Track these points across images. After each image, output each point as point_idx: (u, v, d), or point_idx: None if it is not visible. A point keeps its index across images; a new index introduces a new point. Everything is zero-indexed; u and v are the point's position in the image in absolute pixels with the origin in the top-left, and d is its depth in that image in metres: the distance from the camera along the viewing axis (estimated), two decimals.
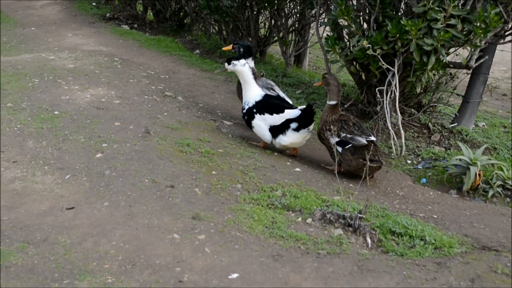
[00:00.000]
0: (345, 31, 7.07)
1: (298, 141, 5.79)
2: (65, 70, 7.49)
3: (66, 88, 6.73)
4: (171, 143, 5.46)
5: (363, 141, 5.46)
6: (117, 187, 4.51)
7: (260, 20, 10.15)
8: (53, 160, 4.93)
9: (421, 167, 6.06)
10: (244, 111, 6.00)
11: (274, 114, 5.77)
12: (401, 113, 6.48)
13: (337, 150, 5.59)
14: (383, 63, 6.19)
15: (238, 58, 6.05)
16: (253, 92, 6.02)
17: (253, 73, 6.21)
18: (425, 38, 5.89)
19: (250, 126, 5.99)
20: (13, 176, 4.62)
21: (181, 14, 12.13)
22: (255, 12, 9.70)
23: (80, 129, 5.56)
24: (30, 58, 8.16)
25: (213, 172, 4.99)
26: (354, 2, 6.88)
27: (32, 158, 4.94)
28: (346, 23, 6.48)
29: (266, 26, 10.22)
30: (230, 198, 4.59)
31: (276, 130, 5.76)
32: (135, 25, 12.38)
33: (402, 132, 6.33)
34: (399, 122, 6.36)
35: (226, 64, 6.11)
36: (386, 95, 6.38)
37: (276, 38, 9.84)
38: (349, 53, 6.66)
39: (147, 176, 4.71)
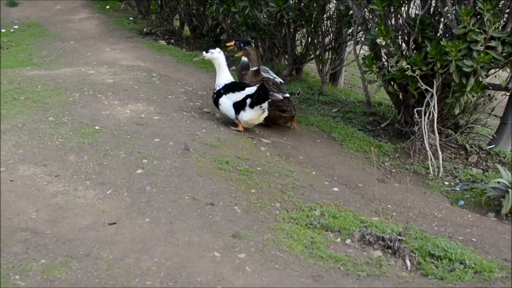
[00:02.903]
0: (383, 51, 7.07)
1: (255, 117, 6.53)
2: (105, 85, 7.59)
3: (106, 103, 6.81)
4: (210, 160, 5.51)
5: (280, 96, 6.79)
6: (157, 204, 4.56)
7: (296, 38, 10.18)
8: (95, 175, 5.00)
9: (458, 189, 6.03)
10: (215, 91, 6.77)
11: (236, 92, 6.53)
12: (438, 133, 6.46)
13: None
14: (422, 84, 6.20)
15: (214, 47, 6.92)
16: (224, 77, 6.80)
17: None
18: (464, 60, 5.88)
19: (217, 104, 6.76)
20: (56, 190, 4.69)
21: (218, 30, 12.22)
22: (292, 30, 9.73)
23: (121, 145, 5.63)
24: (70, 72, 8.28)
25: (252, 191, 5.02)
26: (393, 22, 6.88)
27: (74, 173, 5.01)
28: (385, 43, 6.49)
29: (303, 44, 10.26)
30: (269, 217, 4.61)
31: (238, 107, 6.49)
32: (172, 41, 12.49)
33: (440, 153, 6.32)
34: (437, 143, 6.35)
35: (204, 52, 6.93)
36: (424, 115, 6.37)
37: (312, 56, 9.86)
38: (387, 73, 6.67)
39: (187, 193, 4.75)
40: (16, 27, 14.22)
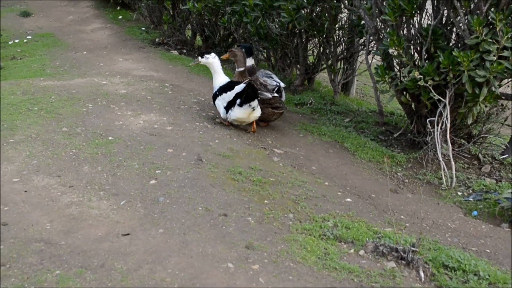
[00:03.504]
0: (395, 61, 7.08)
1: (244, 116, 6.76)
2: (118, 96, 7.63)
3: (119, 114, 6.85)
4: (223, 171, 5.52)
5: (269, 95, 6.97)
6: (171, 214, 4.57)
7: (308, 48, 10.20)
8: (108, 185, 5.02)
9: (472, 199, 6.01)
10: (213, 94, 7.08)
11: (228, 92, 6.77)
12: (451, 143, 6.45)
13: None
14: (434, 94, 6.19)
15: (209, 52, 7.20)
16: (220, 80, 7.07)
17: (251, 69, 7.86)
18: (477, 70, 5.88)
19: (215, 104, 7.07)
20: (70, 201, 4.71)
21: (230, 40, 12.25)
22: (304, 40, 9.76)
23: (134, 155, 5.65)
24: (83, 83, 8.32)
25: (265, 201, 5.03)
26: (405, 32, 6.88)
27: (88, 183, 5.04)
28: (397, 53, 6.50)
29: (315, 54, 10.27)
30: (282, 227, 4.61)
31: (229, 106, 6.76)
32: (184, 51, 12.53)
33: (453, 163, 6.31)
34: (450, 153, 6.34)
35: (199, 57, 7.22)
36: (437, 125, 6.36)
37: (324, 65, 9.88)
38: (399, 83, 6.67)
39: (200, 204, 4.77)
40: (30, 37, 14.31)
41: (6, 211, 4.50)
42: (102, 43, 13.08)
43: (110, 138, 6.05)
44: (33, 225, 4.32)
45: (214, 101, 7.05)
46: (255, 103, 6.63)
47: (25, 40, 14.00)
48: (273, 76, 7.78)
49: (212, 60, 7.12)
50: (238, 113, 6.73)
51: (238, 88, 6.71)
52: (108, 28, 14.93)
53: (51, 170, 5.25)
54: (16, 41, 13.96)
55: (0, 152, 5.50)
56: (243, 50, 7.82)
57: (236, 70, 7.45)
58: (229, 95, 6.77)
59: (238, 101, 6.64)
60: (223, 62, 7.51)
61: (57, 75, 9.47)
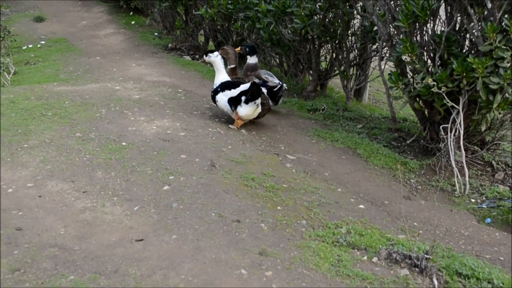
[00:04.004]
0: (408, 68, 7.07)
1: (250, 112, 7.09)
2: (131, 101, 7.65)
3: (133, 119, 6.87)
4: (236, 177, 5.53)
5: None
6: (184, 220, 4.58)
7: (321, 54, 10.20)
8: (122, 191, 5.04)
9: (485, 206, 5.99)
10: (213, 89, 7.39)
11: (232, 89, 7.11)
12: (464, 150, 6.43)
13: None
14: (448, 100, 6.18)
15: (212, 51, 7.55)
16: (221, 77, 7.43)
17: (254, 66, 8.44)
18: (491, 77, 5.86)
19: (214, 101, 7.34)
20: (84, 206, 4.73)
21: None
22: (316, 46, 9.76)
23: (147, 161, 5.67)
24: (96, 88, 8.35)
25: (278, 208, 5.03)
26: (418, 39, 6.87)
27: (102, 189, 5.06)
28: (410, 60, 6.49)
29: (327, 60, 10.27)
30: (295, 234, 4.61)
31: (234, 102, 7.05)
32: (197, 56, 12.56)
33: (466, 170, 6.29)
34: (463, 160, 6.32)
35: (204, 56, 7.68)
36: (450, 132, 6.35)
37: (337, 71, 9.88)
38: (412, 90, 6.66)
39: (213, 210, 4.78)
40: (43, 42, 14.40)
41: (21, 216, 4.52)
42: (115, 49, 13.14)
43: (123, 143, 6.07)
44: (47, 230, 4.34)
45: (214, 96, 7.32)
46: (259, 100, 7.00)
47: (38, 45, 14.09)
48: (274, 76, 8.22)
49: (215, 58, 7.49)
50: (246, 110, 7.05)
51: (244, 86, 7.04)
52: (121, 34, 15.00)
53: (65, 175, 5.27)
54: (30, 46, 14.06)
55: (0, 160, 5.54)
56: (246, 49, 8.53)
57: (228, 67, 7.91)
58: (233, 92, 7.09)
59: (243, 99, 6.97)
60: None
61: (71, 80, 9.51)
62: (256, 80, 7.92)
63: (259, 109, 7.13)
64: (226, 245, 4.27)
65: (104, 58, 11.92)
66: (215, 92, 7.31)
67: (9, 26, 14.43)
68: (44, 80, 9.73)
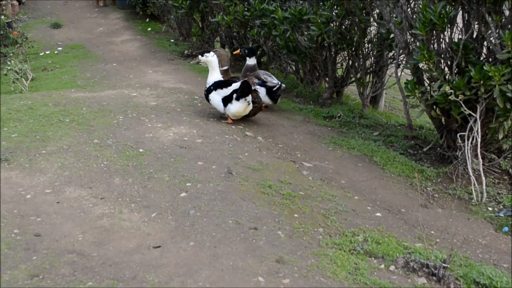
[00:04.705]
0: (425, 75, 7.05)
1: (241, 109, 7.41)
2: (148, 108, 7.69)
3: (150, 126, 6.90)
4: (253, 184, 5.54)
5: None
6: (202, 227, 4.59)
7: (337, 61, 10.20)
8: (139, 197, 5.06)
9: (502, 215, 5.96)
10: (206, 88, 7.70)
11: (224, 88, 7.40)
12: (481, 158, 6.40)
13: None
14: (465, 108, 6.16)
15: (208, 51, 7.81)
16: (215, 76, 7.70)
17: (253, 67, 8.87)
18: (508, 85, 5.83)
19: (207, 99, 7.67)
20: (101, 213, 4.76)
21: (258, 52, 12.28)
22: (333, 53, 9.76)
23: (165, 168, 5.69)
24: (113, 95, 8.39)
25: (295, 215, 5.03)
26: (435, 46, 6.86)
27: (119, 195, 5.08)
28: (427, 68, 6.48)
29: (343, 67, 10.27)
30: (312, 242, 4.61)
31: (226, 100, 7.36)
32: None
33: (483, 178, 6.26)
34: (480, 168, 6.29)
35: (199, 56, 7.87)
36: (467, 140, 6.32)
37: (353, 78, 9.87)
38: (429, 98, 6.65)
39: (230, 217, 4.79)
40: (60, 48, 14.49)
41: (39, 222, 4.56)
42: (132, 55, 13.20)
43: (140, 150, 6.10)
44: (65, 236, 4.37)
45: (206, 94, 7.65)
46: (249, 97, 7.29)
47: (55, 52, 14.19)
48: (273, 76, 8.60)
49: (211, 58, 7.75)
50: (237, 107, 7.37)
51: (236, 85, 7.34)
52: (137, 40, 15.07)
53: (82, 181, 5.30)
54: (47, 52, 14.15)
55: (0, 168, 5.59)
56: (245, 51, 9.00)
57: (220, 68, 8.01)
58: (226, 91, 7.38)
59: (235, 96, 7.28)
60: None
61: (88, 86, 9.57)
62: (256, 81, 8.34)
63: (250, 107, 7.40)
64: (243, 252, 4.28)
65: (121, 65, 11.98)
66: (208, 90, 7.62)
67: (26, 33, 14.56)
68: (62, 87, 9.79)
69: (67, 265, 3.99)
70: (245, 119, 7.61)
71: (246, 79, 7.72)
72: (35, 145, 6.02)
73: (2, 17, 14.71)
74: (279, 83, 8.37)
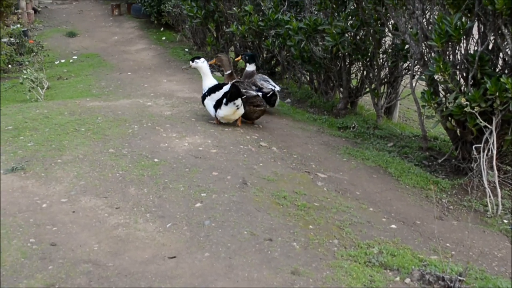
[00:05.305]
0: (441, 87, 7.04)
1: (230, 113, 7.55)
2: (163, 117, 7.71)
3: (165, 136, 6.92)
4: (268, 195, 5.54)
5: (253, 93, 7.82)
6: (217, 238, 4.59)
7: (352, 71, 10.20)
8: (154, 208, 5.08)
9: None
10: (202, 94, 7.89)
11: (217, 92, 7.57)
12: (496, 170, 6.37)
13: None
14: (481, 120, 6.14)
15: (199, 58, 8.13)
16: (208, 82, 7.93)
17: (252, 73, 9.15)
18: None
19: (203, 104, 7.87)
20: (117, 223, 4.77)
21: (273, 62, 12.31)
22: (347, 64, 9.76)
23: (180, 178, 5.71)
24: (128, 104, 8.43)
25: (310, 226, 5.03)
26: (451, 58, 6.85)
27: (134, 205, 5.10)
28: (443, 79, 6.47)
29: (358, 77, 10.27)
30: (327, 253, 4.60)
31: (217, 105, 7.52)
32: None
33: (499, 190, 6.23)
34: (496, 180, 6.26)
35: (190, 62, 8.22)
36: (483, 152, 6.30)
37: (367, 89, 9.87)
38: (445, 109, 6.63)
39: (245, 228, 4.79)
40: (75, 57, 14.58)
41: (55, 231, 4.58)
42: (146, 64, 13.26)
43: (155, 160, 6.11)
44: (81, 246, 4.38)
45: (203, 101, 7.84)
46: (238, 101, 7.40)
47: (71, 60, 14.28)
48: (270, 80, 8.96)
49: (201, 64, 8.05)
50: (225, 111, 7.50)
51: (226, 88, 7.52)
52: (152, 49, 15.14)
53: (98, 191, 5.33)
54: (62, 61, 14.24)
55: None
56: (246, 57, 9.34)
57: (225, 73, 8.67)
58: (218, 95, 7.53)
59: (224, 100, 7.41)
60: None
61: (103, 95, 9.61)
62: (254, 87, 8.32)
63: (241, 111, 7.57)
64: (258, 263, 4.28)
65: (136, 74, 12.03)
66: (203, 97, 7.82)
67: (42, 41, 14.66)
68: (77, 95, 9.85)
69: (83, 274, 4.01)
70: (255, 127, 7.61)
71: (234, 81, 7.95)
72: (51, 154, 6.05)
73: (18, 25, 14.83)
74: (273, 88, 8.56)
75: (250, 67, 9.30)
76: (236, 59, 9.78)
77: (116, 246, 4.43)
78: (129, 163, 5.99)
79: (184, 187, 5.50)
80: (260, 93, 7.98)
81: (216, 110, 7.59)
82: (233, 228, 4.76)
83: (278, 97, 8.78)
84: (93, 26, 18.61)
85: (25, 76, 9.94)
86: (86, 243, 4.44)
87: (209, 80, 7.97)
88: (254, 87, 8.36)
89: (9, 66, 13.33)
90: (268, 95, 8.27)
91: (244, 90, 7.71)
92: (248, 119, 8.07)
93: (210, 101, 7.66)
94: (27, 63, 12.80)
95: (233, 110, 7.49)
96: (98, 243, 4.45)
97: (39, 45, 13.83)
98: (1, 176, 5.54)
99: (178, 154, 6.34)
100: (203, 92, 7.88)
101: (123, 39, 16.77)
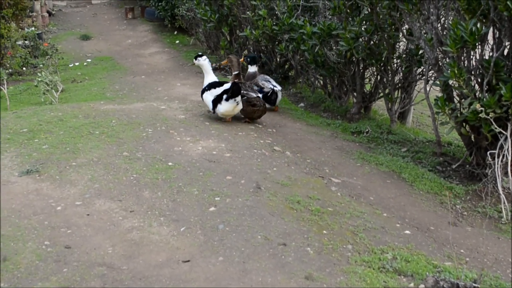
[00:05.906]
0: (455, 92, 7.01)
1: (230, 109, 7.98)
2: (176, 121, 7.73)
3: (178, 139, 6.93)
4: (282, 200, 5.53)
5: (253, 94, 8.38)
6: (230, 242, 4.60)
7: (365, 76, 10.19)
8: (169, 211, 5.09)
9: None
10: (202, 89, 8.29)
11: (217, 88, 7.97)
12: (511, 176, 6.34)
13: None
14: (496, 126, 6.12)
15: (201, 55, 8.52)
16: (209, 79, 8.36)
17: (254, 74, 9.81)
18: None
19: (202, 98, 8.28)
20: (131, 226, 4.79)
21: (286, 66, 12.31)
22: (361, 68, 9.75)
23: (194, 182, 5.72)
24: (142, 107, 8.46)
25: (324, 231, 5.02)
26: (466, 64, 6.82)
27: (148, 209, 5.11)
28: (457, 85, 6.45)
29: (372, 82, 10.25)
30: (341, 259, 4.59)
31: (216, 101, 7.93)
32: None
33: None
34: (510, 186, 6.24)
35: (194, 59, 8.66)
36: (498, 158, 6.28)
37: (381, 94, 9.85)
38: (459, 115, 6.61)
39: (259, 232, 4.78)
40: (89, 60, 14.64)
41: (69, 234, 4.60)
42: (160, 67, 13.30)
43: (169, 163, 6.13)
44: (95, 249, 4.40)
45: (202, 94, 8.26)
46: (239, 98, 7.86)
47: (85, 63, 14.34)
48: (271, 80, 9.53)
49: (203, 62, 8.47)
50: (226, 107, 7.91)
51: (226, 85, 7.90)
52: (165, 53, 15.18)
53: (112, 194, 5.34)
54: (76, 64, 14.30)
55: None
56: (248, 59, 9.97)
57: (233, 73, 9.10)
58: (217, 91, 7.92)
59: (225, 96, 7.82)
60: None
61: (117, 99, 9.64)
62: (255, 88, 8.98)
63: (239, 107, 8.00)
64: (272, 268, 4.28)
65: (149, 77, 12.06)
66: (203, 91, 8.23)
67: (56, 44, 14.73)
68: (91, 98, 9.88)
69: (97, 277, 4.02)
70: (268, 131, 7.61)
71: (236, 81, 8.53)
72: (65, 157, 6.08)
73: (33, 28, 14.91)
74: (272, 88, 9.24)
75: (252, 69, 9.96)
76: (241, 60, 9.92)
77: (130, 250, 4.44)
78: (143, 166, 6.00)
79: (198, 191, 5.50)
80: (260, 94, 8.66)
81: (215, 106, 7.98)
82: (247, 233, 4.76)
83: (279, 96, 9.39)
84: (107, 29, 18.70)
85: (39, 79, 9.98)
86: (100, 246, 4.46)
87: (210, 77, 8.38)
88: (256, 87, 9.03)
89: (24, 68, 13.41)
90: (268, 94, 9.13)
91: (244, 92, 8.25)
92: (249, 118, 8.38)
93: (209, 96, 8.04)
94: (41, 65, 12.88)
95: (233, 106, 7.92)
96: (112, 246, 4.47)
97: (53, 48, 13.89)
98: (16, 179, 5.57)
99: (192, 158, 6.35)
100: (204, 86, 8.29)
101: (136, 43, 16.83)
